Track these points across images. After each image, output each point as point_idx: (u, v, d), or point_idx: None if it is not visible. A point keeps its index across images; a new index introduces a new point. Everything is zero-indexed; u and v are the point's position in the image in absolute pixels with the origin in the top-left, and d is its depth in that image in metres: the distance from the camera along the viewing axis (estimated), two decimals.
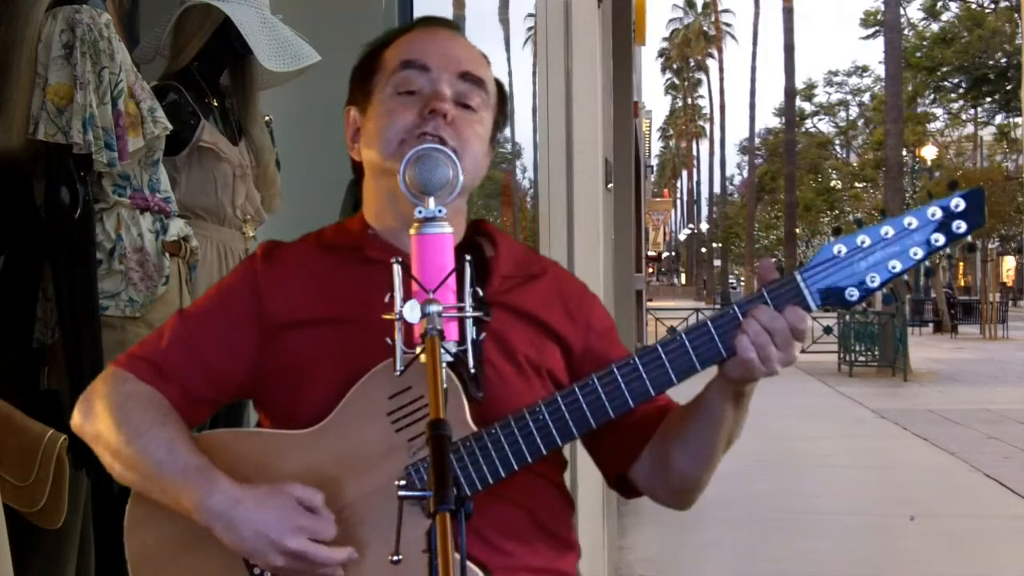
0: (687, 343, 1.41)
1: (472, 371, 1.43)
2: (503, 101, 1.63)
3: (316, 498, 1.41)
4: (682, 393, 1.50)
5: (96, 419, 1.50)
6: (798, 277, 1.41)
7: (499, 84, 1.63)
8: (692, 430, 1.51)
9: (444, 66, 1.54)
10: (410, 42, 1.58)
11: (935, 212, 1.40)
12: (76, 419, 1.54)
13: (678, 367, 1.42)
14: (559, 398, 1.43)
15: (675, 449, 1.53)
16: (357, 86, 1.61)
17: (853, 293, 1.41)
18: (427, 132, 1.48)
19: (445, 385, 1.21)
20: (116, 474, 1.50)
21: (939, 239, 1.39)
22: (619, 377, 1.42)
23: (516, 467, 1.42)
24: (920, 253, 1.40)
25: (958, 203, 1.39)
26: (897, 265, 1.40)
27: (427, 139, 1.46)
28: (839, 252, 1.41)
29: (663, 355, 1.42)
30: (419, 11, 4.24)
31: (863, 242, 1.40)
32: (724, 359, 1.41)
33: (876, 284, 1.41)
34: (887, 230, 1.40)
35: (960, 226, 1.39)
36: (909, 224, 1.40)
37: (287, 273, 1.55)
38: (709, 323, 1.42)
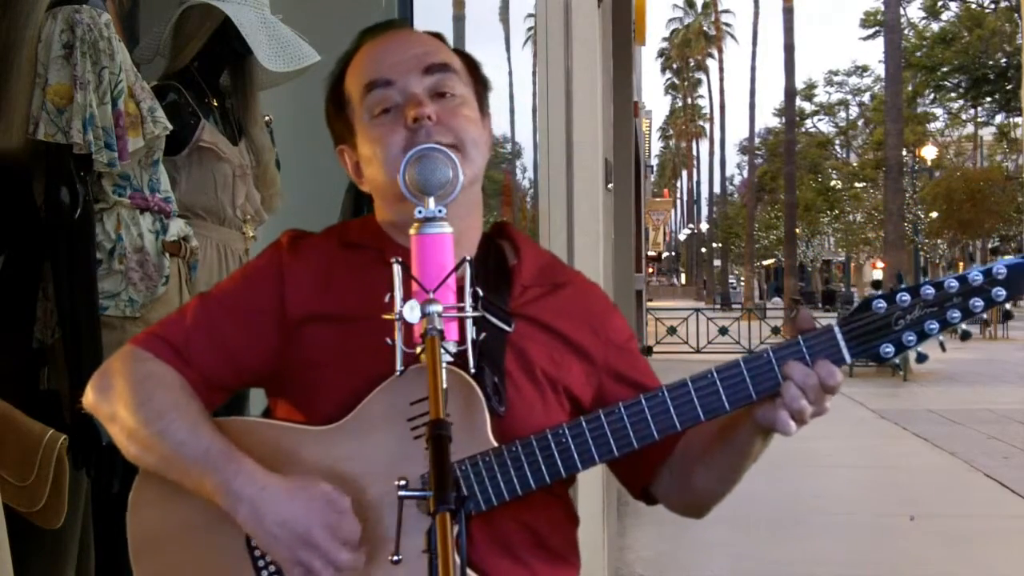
0: (718, 383, 1.42)
1: (495, 382, 1.43)
2: (474, 68, 1.60)
3: (344, 502, 1.40)
4: None
5: (113, 398, 1.48)
6: (836, 329, 1.42)
7: (462, 54, 1.61)
8: (719, 457, 1.51)
9: (406, 70, 1.51)
10: (363, 63, 1.55)
11: (976, 277, 1.41)
12: (90, 397, 1.52)
13: (707, 406, 1.42)
14: (583, 423, 1.42)
15: (699, 471, 1.54)
16: (336, 125, 1.59)
17: (888, 350, 1.42)
18: (421, 144, 1.45)
19: (446, 386, 1.21)
20: (131, 455, 1.48)
21: (978, 304, 1.41)
22: (646, 409, 1.42)
23: (534, 486, 1.42)
24: (958, 316, 1.41)
25: (1000, 270, 1.41)
26: (935, 326, 1.42)
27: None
28: (878, 307, 1.42)
29: (692, 392, 1.42)
30: (419, 10, 4.24)
31: (903, 300, 1.42)
32: (753, 402, 1.42)
33: (912, 343, 1.42)
34: (927, 291, 1.41)
35: (1000, 293, 1.41)
36: (950, 287, 1.41)
37: (310, 266, 1.54)
38: (742, 364, 1.42)
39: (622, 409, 1.42)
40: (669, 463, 1.57)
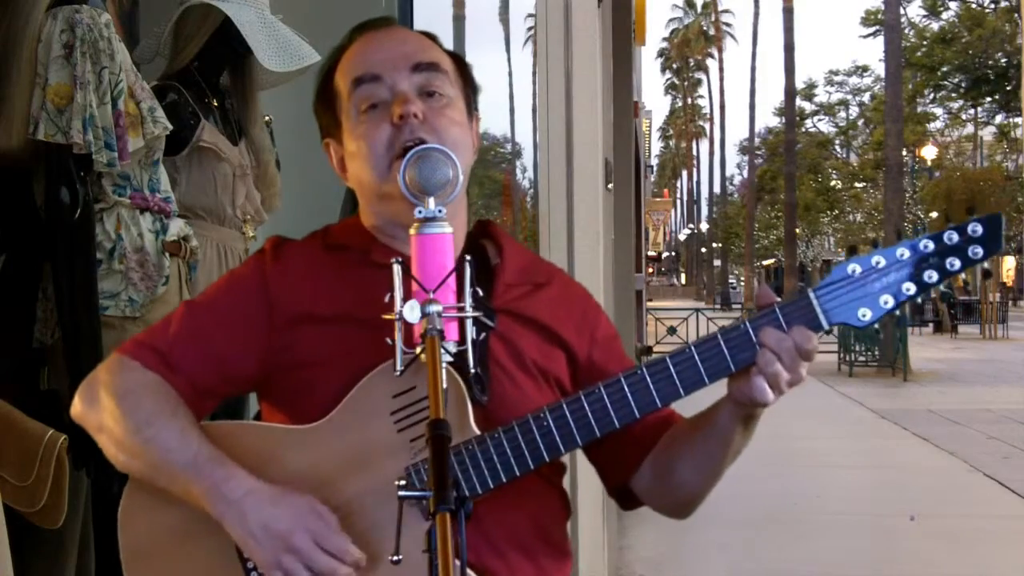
0: (696, 356, 1.40)
1: (476, 373, 1.43)
2: (464, 70, 1.61)
3: (332, 517, 1.40)
4: (690, 401, 1.50)
5: (100, 407, 1.48)
6: (811, 295, 1.40)
7: (453, 56, 1.61)
8: (699, 446, 1.50)
9: (394, 67, 1.52)
10: (353, 58, 1.55)
11: (952, 236, 1.39)
12: (77, 407, 1.52)
13: (686, 380, 1.40)
14: (564, 405, 1.42)
15: (680, 462, 1.52)
16: (324, 118, 1.60)
17: (865, 314, 1.40)
18: (406, 141, 1.46)
19: (445, 386, 1.21)
20: (119, 464, 1.48)
21: (955, 263, 1.39)
22: (625, 387, 1.41)
23: (518, 472, 1.41)
24: (935, 277, 1.39)
25: (976, 228, 1.39)
26: (911, 288, 1.39)
27: (409, 147, 1.42)
28: (853, 272, 1.40)
29: (671, 367, 1.40)
30: (419, 10, 4.24)
31: (878, 263, 1.39)
32: (732, 373, 1.40)
33: (889, 306, 1.40)
34: (903, 252, 1.39)
35: (977, 251, 1.38)
36: (925, 247, 1.39)
37: (296, 270, 1.54)
38: (719, 336, 1.40)
39: (602, 389, 1.41)
40: (651, 457, 1.56)
